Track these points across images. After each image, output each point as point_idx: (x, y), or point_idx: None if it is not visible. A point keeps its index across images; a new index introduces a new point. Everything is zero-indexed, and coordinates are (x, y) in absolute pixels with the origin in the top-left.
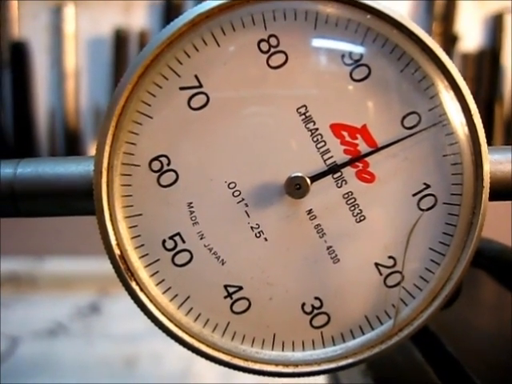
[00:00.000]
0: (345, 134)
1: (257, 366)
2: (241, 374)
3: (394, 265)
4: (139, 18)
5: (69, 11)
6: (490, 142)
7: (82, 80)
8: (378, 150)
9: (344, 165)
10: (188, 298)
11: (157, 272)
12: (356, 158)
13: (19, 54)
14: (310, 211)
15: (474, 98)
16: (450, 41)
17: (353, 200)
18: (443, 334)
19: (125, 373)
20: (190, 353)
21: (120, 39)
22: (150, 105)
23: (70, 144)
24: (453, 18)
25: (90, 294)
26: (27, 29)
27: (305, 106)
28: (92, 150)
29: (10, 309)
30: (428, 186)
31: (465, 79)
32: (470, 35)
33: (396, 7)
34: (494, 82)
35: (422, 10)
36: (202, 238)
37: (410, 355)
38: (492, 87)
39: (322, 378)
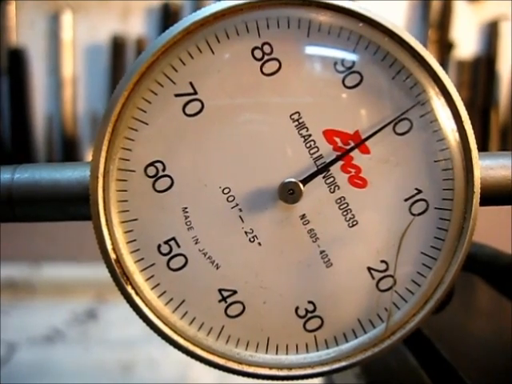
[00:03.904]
0: (337, 139)
1: (251, 369)
2: (236, 377)
3: (387, 269)
4: (136, 25)
5: (66, 18)
6: (485, 149)
7: (79, 86)
8: (362, 141)
9: (332, 162)
10: (183, 301)
11: (152, 276)
12: (342, 154)
13: (17, 60)
14: (303, 216)
15: (470, 104)
16: (445, 48)
17: (345, 205)
18: (437, 338)
19: (121, 378)
20: (185, 358)
21: (117, 46)
22: (145, 111)
23: (67, 150)
24: (448, 26)
25: (87, 301)
26: (25, 36)
27: (298, 112)
28: (89, 156)
29: (8, 315)
30: (420, 191)
31: (460, 86)
32: (466, 42)
33: (391, 14)
34: (490, 88)
35: (417, 17)
36: (196, 243)
37: (403, 359)
38: (487, 94)
39: (316, 381)
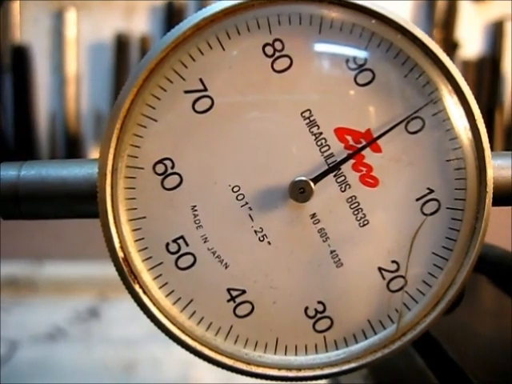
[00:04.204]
0: (349, 138)
1: (259, 370)
2: (240, 377)
3: (397, 269)
4: (140, 23)
5: (70, 16)
6: (490, 149)
7: (82, 84)
8: (374, 140)
9: (343, 161)
10: (191, 301)
11: (160, 275)
12: (354, 153)
13: (20, 58)
14: (313, 215)
15: None
16: (450, 47)
17: (356, 204)
18: (444, 339)
19: (124, 377)
20: (188, 358)
21: (121, 44)
22: (154, 108)
23: (71, 148)
24: (453, 25)
25: (90, 299)
26: (29, 33)
27: (309, 110)
28: (92, 155)
29: (10, 313)
30: (431, 191)
31: None
32: (471, 42)
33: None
34: (495, 88)
35: (422, 16)
36: (205, 242)
37: (411, 360)
38: (492, 94)
39: (322, 382)
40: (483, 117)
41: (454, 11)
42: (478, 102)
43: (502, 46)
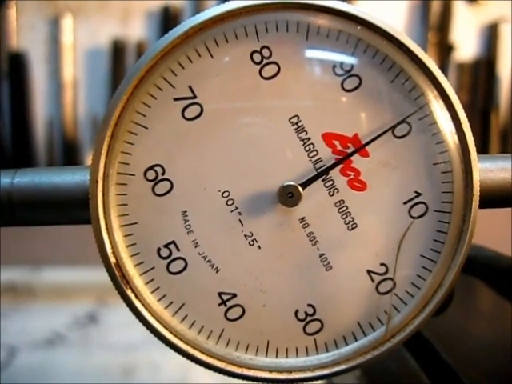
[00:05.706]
0: (336, 143)
1: (251, 373)
2: (237, 380)
3: (386, 272)
4: (137, 28)
5: (67, 22)
6: (485, 151)
7: (79, 90)
8: (362, 146)
9: (331, 167)
10: (183, 305)
11: (152, 280)
12: (342, 158)
13: (17, 64)
14: (302, 219)
15: (470, 107)
16: (445, 50)
17: (345, 208)
18: (437, 340)
19: (122, 382)
20: (186, 361)
21: (117, 50)
22: (144, 115)
23: (68, 154)
24: (448, 28)
25: (88, 304)
26: (25, 40)
27: (297, 115)
28: (89, 160)
29: (8, 318)
30: (419, 194)
31: (460, 88)
32: (466, 45)
33: (391, 17)
34: (490, 91)
35: (417, 20)
36: (196, 246)
37: (404, 362)
38: (488, 96)
39: (319, 383)
40: (478, 119)
41: (449, 13)
42: (474, 105)
43: (497, 49)
